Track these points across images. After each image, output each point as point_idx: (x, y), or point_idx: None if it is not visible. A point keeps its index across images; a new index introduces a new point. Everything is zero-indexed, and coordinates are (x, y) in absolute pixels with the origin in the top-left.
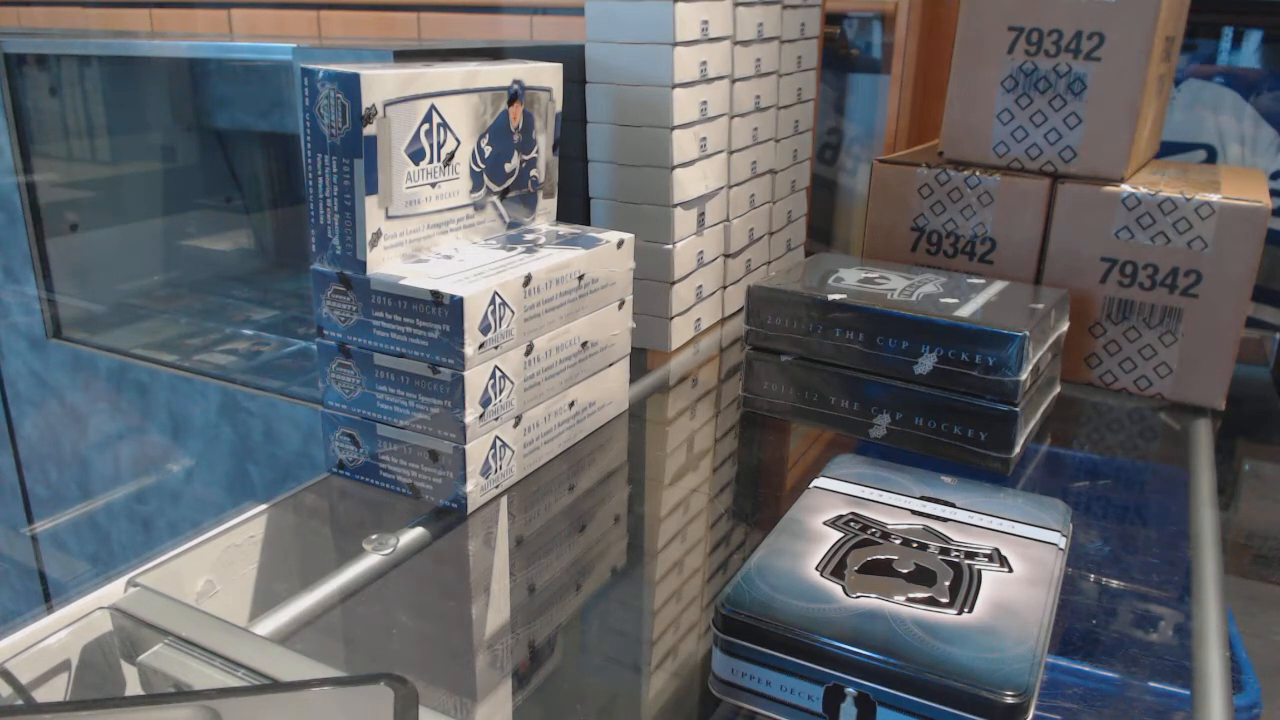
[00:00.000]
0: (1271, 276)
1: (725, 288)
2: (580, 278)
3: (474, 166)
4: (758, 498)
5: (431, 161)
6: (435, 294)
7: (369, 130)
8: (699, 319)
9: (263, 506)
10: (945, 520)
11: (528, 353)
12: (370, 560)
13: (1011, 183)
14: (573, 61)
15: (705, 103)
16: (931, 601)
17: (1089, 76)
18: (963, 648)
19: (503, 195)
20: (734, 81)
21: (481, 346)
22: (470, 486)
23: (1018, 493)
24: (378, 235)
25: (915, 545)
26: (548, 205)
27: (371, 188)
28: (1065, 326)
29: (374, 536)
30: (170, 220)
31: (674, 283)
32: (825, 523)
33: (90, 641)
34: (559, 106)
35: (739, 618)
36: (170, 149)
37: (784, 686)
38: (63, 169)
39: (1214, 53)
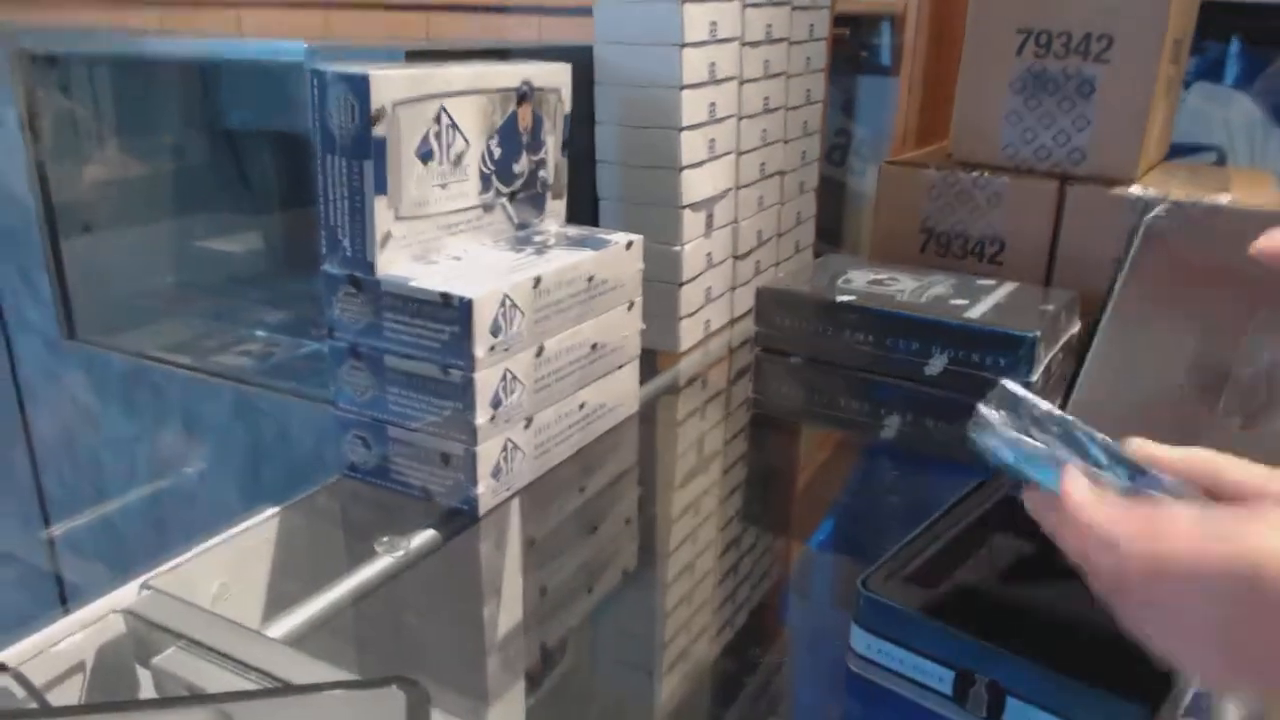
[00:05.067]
0: None
1: (734, 289)
2: (590, 279)
3: (483, 168)
4: (769, 500)
5: (441, 163)
6: (445, 296)
7: (378, 131)
8: (708, 320)
9: (275, 509)
10: None
11: (538, 354)
12: (382, 562)
13: (1020, 184)
14: (581, 62)
15: (714, 104)
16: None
17: (1098, 79)
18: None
19: (511, 196)
20: (742, 83)
21: (492, 348)
22: (481, 488)
23: None
24: (388, 236)
25: None
26: (556, 206)
27: (381, 189)
28: (1076, 328)
29: (385, 538)
30: (182, 221)
31: (683, 284)
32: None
33: (104, 644)
34: (568, 107)
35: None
36: (181, 149)
37: (916, 667)
38: (76, 170)
39: (1223, 55)
